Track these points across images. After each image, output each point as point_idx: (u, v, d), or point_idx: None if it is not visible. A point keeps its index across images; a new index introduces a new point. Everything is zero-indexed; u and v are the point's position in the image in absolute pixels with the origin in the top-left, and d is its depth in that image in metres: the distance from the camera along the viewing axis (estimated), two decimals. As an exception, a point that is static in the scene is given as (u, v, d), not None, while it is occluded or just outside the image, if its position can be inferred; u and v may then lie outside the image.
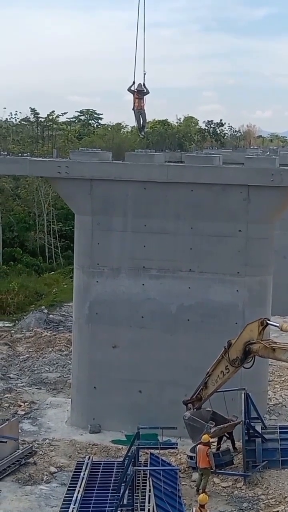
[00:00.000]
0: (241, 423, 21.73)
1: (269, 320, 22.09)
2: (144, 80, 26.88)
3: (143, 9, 26.31)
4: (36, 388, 30.65)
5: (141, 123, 28.11)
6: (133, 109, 27.62)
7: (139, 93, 27.12)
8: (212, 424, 21.75)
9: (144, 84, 26.99)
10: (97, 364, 26.04)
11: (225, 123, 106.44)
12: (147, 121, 28.79)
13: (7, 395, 29.52)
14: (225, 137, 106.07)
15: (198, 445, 20.74)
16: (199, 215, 24.95)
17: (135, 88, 26.99)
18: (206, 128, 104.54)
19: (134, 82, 26.93)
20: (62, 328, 39.30)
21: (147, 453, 21.70)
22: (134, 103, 27.41)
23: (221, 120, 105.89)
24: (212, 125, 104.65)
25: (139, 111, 27.53)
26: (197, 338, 25.03)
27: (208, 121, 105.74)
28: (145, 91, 27.22)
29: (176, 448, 22.10)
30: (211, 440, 21.90)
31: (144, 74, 26.72)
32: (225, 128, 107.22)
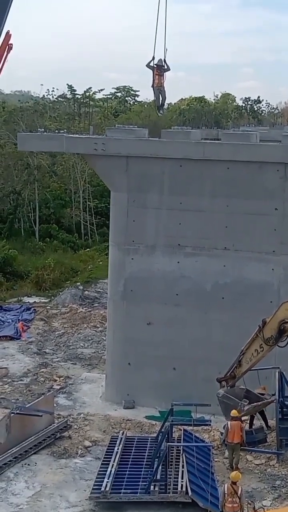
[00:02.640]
0: (275, 401, 21.73)
1: (305, 299, 21.95)
2: (165, 56, 26.33)
3: None
4: (71, 363, 30.97)
5: (160, 100, 27.64)
6: (152, 86, 27.00)
7: (159, 69, 26.56)
8: (246, 402, 21.77)
9: (164, 60, 26.43)
10: (131, 341, 26.18)
11: (262, 100, 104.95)
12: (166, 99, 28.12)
13: (43, 369, 29.89)
14: (263, 114, 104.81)
15: (230, 421, 20.78)
16: (235, 193, 24.81)
17: (154, 63, 26.37)
18: (243, 105, 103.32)
19: (153, 58, 26.21)
20: (97, 305, 39.56)
21: (181, 430, 21.86)
22: (153, 80, 26.68)
23: (258, 97, 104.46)
24: (249, 102, 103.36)
25: (158, 88, 26.97)
26: (231, 316, 25.01)
27: (246, 98, 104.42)
28: (165, 67, 26.54)
29: (210, 425, 22.21)
30: (244, 418, 21.99)
31: (166, 50, 26.19)
32: (262, 105, 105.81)
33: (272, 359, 22.62)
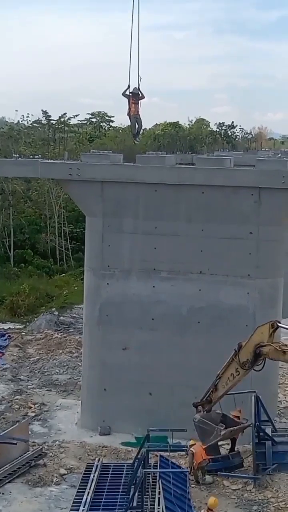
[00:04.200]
0: (251, 425, 21.65)
1: (280, 323, 22.00)
2: (139, 84, 26.67)
3: (138, 13, 26.18)
4: (47, 390, 30.70)
5: (137, 128, 27.90)
6: (128, 114, 27.26)
7: (134, 97, 26.84)
8: (222, 427, 21.69)
9: (139, 88, 26.74)
10: (107, 366, 26.03)
11: (236, 125, 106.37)
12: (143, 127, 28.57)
13: (17, 396, 29.58)
14: (237, 139, 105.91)
15: (192, 447, 20.83)
16: (210, 217, 24.92)
17: (130, 91, 26.68)
18: (218, 130, 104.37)
19: (129, 86, 26.58)
20: (72, 330, 39.35)
21: (157, 456, 21.67)
22: (129, 108, 27.01)
23: (232, 122, 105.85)
24: (223, 127, 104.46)
25: (135, 117, 27.25)
26: (207, 340, 25.00)
27: (220, 123, 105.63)
28: (140, 95, 26.93)
29: (186, 450, 22.07)
30: (220, 442, 21.91)
31: (140, 79, 26.51)
32: (236, 130, 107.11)
33: (248, 383, 22.58)
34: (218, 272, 25.00)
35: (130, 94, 26.73)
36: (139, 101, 27.12)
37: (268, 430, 21.66)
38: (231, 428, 21.89)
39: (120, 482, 20.47)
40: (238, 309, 24.86)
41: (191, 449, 20.90)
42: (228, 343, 22.01)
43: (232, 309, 24.89)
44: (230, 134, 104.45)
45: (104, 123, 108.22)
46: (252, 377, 22.29)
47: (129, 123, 28.53)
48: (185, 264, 25.24)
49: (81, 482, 20.58)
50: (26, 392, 30.32)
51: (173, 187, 24.94)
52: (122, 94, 26.86)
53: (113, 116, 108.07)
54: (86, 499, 19.32)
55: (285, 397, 28.71)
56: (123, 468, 21.41)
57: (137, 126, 27.81)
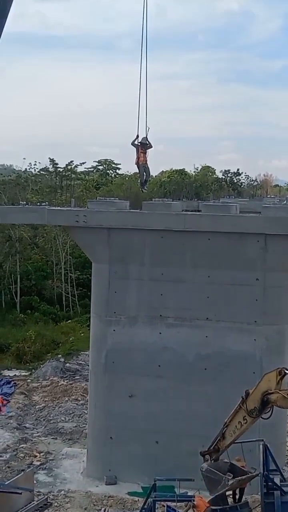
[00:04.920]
0: (259, 475, 21.31)
1: (287, 370, 21.82)
2: (146, 134, 27.02)
3: (145, 65, 26.62)
4: (52, 438, 30.39)
5: (145, 177, 28.26)
6: (136, 163, 27.64)
7: (143, 146, 27.26)
8: (230, 476, 21.34)
9: (147, 138, 27.12)
10: (113, 414, 25.79)
11: (242, 172, 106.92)
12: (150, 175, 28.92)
13: (22, 445, 29.26)
14: (242, 186, 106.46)
15: (196, 501, 20.42)
16: (216, 264, 24.94)
17: (138, 141, 27.09)
18: (223, 177, 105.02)
19: (137, 136, 27.00)
20: (78, 377, 39.09)
21: (164, 506, 21.32)
22: (138, 157, 27.40)
23: (238, 169, 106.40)
24: (229, 175, 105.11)
25: (143, 166, 27.64)
26: (214, 388, 24.79)
27: (225, 170, 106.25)
28: (149, 144, 27.35)
29: (193, 500, 21.69)
30: (229, 492, 21.54)
31: (148, 129, 26.92)
32: (242, 177, 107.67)
33: (256, 432, 22.30)
34: (225, 319, 24.92)
35: (139, 144, 27.12)
36: (147, 151, 27.50)
37: (277, 480, 21.26)
38: (239, 478, 21.54)
39: (126, 533, 20.13)
40: (245, 356, 24.69)
41: (193, 501, 20.44)
42: (235, 390, 21.75)
43: (239, 356, 24.74)
44: (235, 181, 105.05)
45: (110, 171, 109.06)
46: (260, 425, 22.02)
47: (135, 171, 28.85)
48: (192, 311, 25.18)
49: (86, 533, 20.26)
50: (32, 440, 30.02)
51: (179, 233, 25.04)
52: (131, 144, 27.25)
53: (120, 164, 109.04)
54: None
55: (293, 446, 28.29)
56: (130, 519, 21.08)
57: (145, 175, 28.17)
